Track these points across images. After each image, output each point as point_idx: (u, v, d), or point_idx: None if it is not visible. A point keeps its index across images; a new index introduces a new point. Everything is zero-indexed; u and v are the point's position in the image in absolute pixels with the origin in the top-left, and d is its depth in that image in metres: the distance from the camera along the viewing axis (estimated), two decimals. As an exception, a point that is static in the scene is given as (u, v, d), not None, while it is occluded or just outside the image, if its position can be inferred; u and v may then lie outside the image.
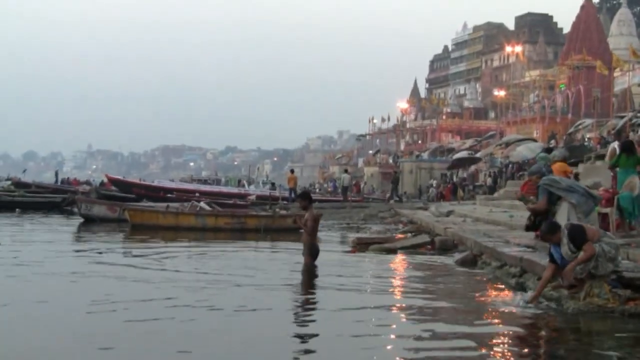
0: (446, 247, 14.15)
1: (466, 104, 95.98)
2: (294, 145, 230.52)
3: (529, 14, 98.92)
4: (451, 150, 67.38)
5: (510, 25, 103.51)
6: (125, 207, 22.72)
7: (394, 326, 7.15)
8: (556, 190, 9.28)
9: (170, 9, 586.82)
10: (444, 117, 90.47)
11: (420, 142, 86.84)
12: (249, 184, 63.47)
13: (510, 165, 42.79)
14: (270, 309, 8.08)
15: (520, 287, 8.93)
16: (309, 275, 10.86)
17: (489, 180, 41.65)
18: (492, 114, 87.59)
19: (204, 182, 56.17)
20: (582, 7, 65.96)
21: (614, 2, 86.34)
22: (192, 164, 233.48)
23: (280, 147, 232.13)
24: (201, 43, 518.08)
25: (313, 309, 8.35)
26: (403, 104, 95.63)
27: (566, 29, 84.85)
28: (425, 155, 69.29)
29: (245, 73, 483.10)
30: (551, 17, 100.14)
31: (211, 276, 10.49)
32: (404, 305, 8.42)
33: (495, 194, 31.47)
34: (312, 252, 11.45)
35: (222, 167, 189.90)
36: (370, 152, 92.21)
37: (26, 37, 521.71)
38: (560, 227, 7.80)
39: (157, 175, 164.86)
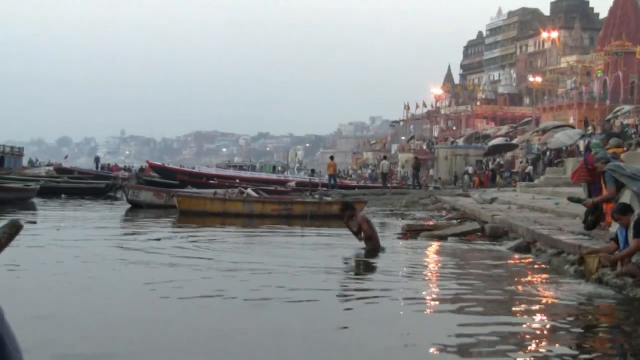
0: (497, 235, 14.17)
1: (501, 90, 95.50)
2: (326, 131, 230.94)
3: (565, 0, 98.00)
4: (487, 137, 67.18)
5: (546, 11, 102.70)
6: (174, 193, 23.18)
7: (463, 311, 7.30)
8: (619, 177, 9.26)
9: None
10: (478, 103, 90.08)
11: (455, 128, 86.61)
12: (284, 170, 63.87)
13: (548, 152, 42.73)
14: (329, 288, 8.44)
15: (580, 275, 9.09)
16: (370, 259, 11.17)
17: (528, 168, 41.56)
18: (527, 100, 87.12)
19: (240, 168, 56.57)
20: (621, -7, 65.41)
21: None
22: (224, 149, 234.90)
23: (312, 134, 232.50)
24: (231, 27, 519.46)
25: (377, 287, 8.61)
26: (437, 90, 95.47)
27: (602, 15, 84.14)
28: (460, 141, 69.06)
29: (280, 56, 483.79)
30: (587, 2, 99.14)
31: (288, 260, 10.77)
32: (474, 291, 8.57)
33: (536, 181, 31.52)
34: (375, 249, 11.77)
35: (255, 153, 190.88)
36: (403, 138, 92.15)
37: (60, 24, 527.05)
38: (633, 210, 7.89)
39: (190, 161, 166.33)
